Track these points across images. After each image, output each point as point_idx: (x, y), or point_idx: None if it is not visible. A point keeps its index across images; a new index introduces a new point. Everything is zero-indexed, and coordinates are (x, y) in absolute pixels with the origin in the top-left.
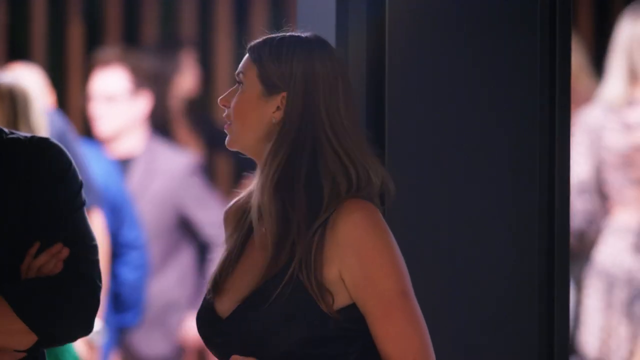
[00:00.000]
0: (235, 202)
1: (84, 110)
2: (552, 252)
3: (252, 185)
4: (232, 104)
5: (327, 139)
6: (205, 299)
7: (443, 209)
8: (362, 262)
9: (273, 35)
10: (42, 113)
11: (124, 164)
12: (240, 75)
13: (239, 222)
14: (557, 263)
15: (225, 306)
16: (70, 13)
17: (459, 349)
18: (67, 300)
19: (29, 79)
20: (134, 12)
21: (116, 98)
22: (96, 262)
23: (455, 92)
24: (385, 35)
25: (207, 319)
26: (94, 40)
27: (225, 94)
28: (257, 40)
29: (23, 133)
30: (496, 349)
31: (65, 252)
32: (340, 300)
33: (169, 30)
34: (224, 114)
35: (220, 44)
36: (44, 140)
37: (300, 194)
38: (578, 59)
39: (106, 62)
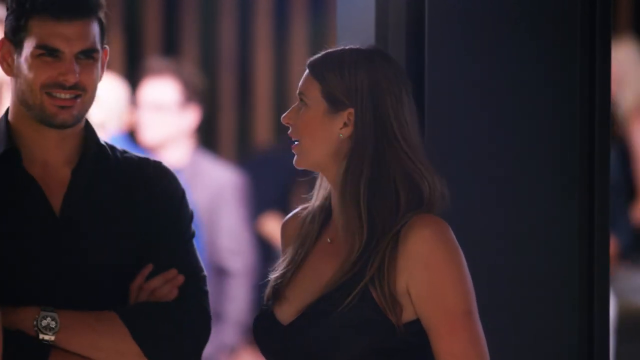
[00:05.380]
0: (294, 213)
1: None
2: (591, 264)
3: (316, 198)
4: (298, 123)
5: (404, 152)
6: (264, 306)
7: (479, 215)
8: (431, 277)
9: (332, 50)
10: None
11: None
12: (302, 94)
13: (300, 233)
14: (596, 275)
15: (286, 314)
16: (110, 26)
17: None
18: (182, 329)
19: (111, 89)
20: (174, 25)
21: (165, 108)
22: (207, 293)
23: (495, 92)
24: (424, 35)
25: (266, 326)
26: (133, 53)
27: (288, 111)
28: (317, 57)
29: (135, 153)
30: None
31: (180, 279)
32: (406, 315)
33: (209, 43)
34: (289, 132)
35: (260, 58)
36: (160, 164)
37: (384, 206)
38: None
39: (157, 72)
